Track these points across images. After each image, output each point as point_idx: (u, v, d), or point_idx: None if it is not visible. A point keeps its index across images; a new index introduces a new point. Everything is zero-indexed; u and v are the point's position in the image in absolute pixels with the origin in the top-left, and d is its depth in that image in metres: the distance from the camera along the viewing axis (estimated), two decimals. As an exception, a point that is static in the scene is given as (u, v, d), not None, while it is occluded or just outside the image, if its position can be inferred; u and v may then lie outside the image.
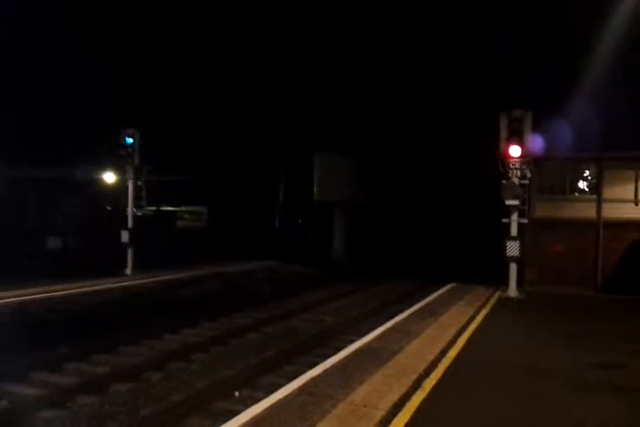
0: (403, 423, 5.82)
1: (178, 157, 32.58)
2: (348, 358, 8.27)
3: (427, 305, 13.59)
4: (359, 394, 6.62)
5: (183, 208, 40.59)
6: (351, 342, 9.91)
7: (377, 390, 6.77)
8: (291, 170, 33.03)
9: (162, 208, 36.64)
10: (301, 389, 6.76)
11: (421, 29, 28.91)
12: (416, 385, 7.03)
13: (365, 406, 6.21)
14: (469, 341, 9.67)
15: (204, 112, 32.21)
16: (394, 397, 6.56)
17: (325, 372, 7.51)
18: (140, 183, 19.43)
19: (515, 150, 14.64)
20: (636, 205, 18.02)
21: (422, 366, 7.85)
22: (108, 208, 29.48)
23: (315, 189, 29.74)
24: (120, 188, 21.25)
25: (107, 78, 30.42)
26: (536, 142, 14.79)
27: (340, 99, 30.21)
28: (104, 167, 26.36)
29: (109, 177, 26.15)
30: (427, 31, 28.72)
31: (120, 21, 31.30)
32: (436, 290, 16.62)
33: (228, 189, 34.60)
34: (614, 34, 18.50)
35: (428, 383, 7.12)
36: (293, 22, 30.77)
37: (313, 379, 7.19)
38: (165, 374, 9.90)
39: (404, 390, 6.82)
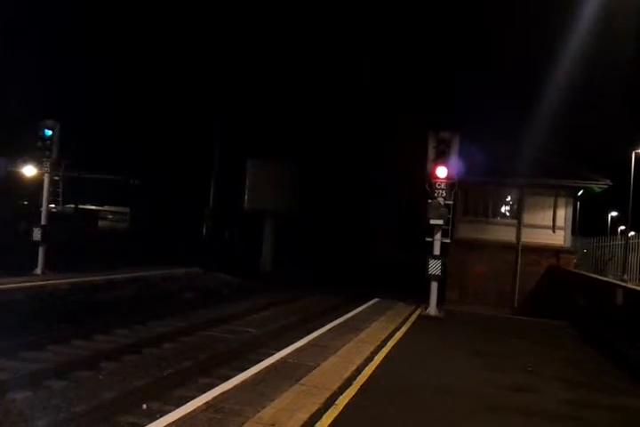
0: (311, 444, 5.67)
1: (104, 154, 31.50)
2: (261, 373, 8.00)
3: (348, 320, 13.54)
4: (268, 412, 6.37)
5: (107, 208, 39.19)
6: (271, 355, 9.70)
7: (287, 408, 6.54)
8: (223, 176, 32.56)
9: (83, 206, 35.20)
10: (208, 404, 6.44)
11: (355, 43, 29.51)
12: (328, 403, 6.86)
13: (273, 425, 5.96)
14: (386, 358, 9.64)
15: (133, 110, 31.28)
16: (304, 415, 6.35)
17: (236, 387, 7.22)
18: (56, 178, 18.50)
19: (441, 171, 14.97)
20: (554, 231, 18.86)
21: (337, 384, 7.69)
22: (25, 203, 27.94)
23: (246, 196, 29.45)
24: (40, 182, 20.17)
25: (31, 68, 29.00)
26: (461, 164, 15.20)
27: (276, 106, 30.21)
28: (24, 160, 24.99)
29: (29, 170, 24.75)
30: (360, 45, 29.32)
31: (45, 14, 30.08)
32: (360, 305, 16.66)
33: (155, 191, 33.67)
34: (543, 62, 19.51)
35: (341, 402, 6.97)
36: (227, 23, 30.59)
37: (222, 394, 6.89)
38: (69, 383, 9.31)
39: (315, 408, 6.63)
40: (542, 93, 20.49)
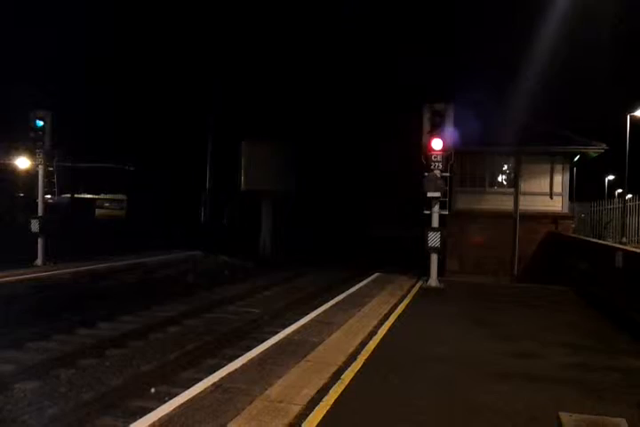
0: (318, 418, 5.70)
1: (98, 142, 31.27)
2: (266, 351, 8.06)
3: (350, 296, 13.62)
4: (275, 389, 6.44)
5: (103, 196, 39.08)
6: (276, 333, 9.77)
7: (294, 385, 6.61)
8: (218, 158, 32.40)
9: (80, 196, 35.13)
10: (216, 385, 6.49)
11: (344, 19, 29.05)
12: (334, 378, 6.92)
13: (281, 402, 6.04)
14: (389, 331, 9.71)
15: (126, 96, 30.93)
16: (311, 391, 6.42)
17: (243, 367, 7.27)
18: (50, 169, 18.36)
19: (436, 143, 14.85)
20: (551, 198, 18.85)
21: (341, 359, 7.76)
22: (21, 195, 27.87)
23: (242, 177, 29.33)
24: (35, 173, 20.02)
25: (23, 56, 28.63)
26: (456, 135, 15.07)
27: (269, 85, 29.89)
28: (19, 152, 24.82)
29: (23, 162, 24.57)
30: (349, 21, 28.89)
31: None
32: (361, 280, 16.76)
33: (151, 176, 33.54)
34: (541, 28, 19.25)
35: (347, 376, 7.03)
36: (226, 10, 30.16)
37: (229, 374, 6.94)
38: (76, 371, 9.39)
39: (322, 383, 6.70)
40: (535, 60, 20.26)
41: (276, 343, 8.54)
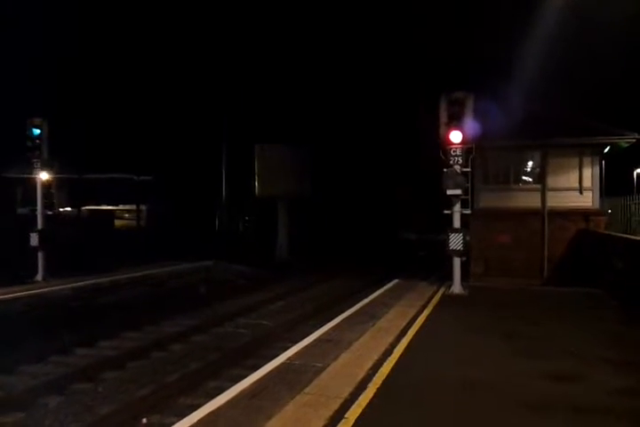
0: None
1: (111, 153, 30.81)
2: (262, 380, 6.93)
3: (365, 306, 12.50)
4: (263, 435, 5.38)
5: (122, 207, 38.70)
6: (287, 349, 8.80)
7: (286, 428, 5.53)
8: (233, 164, 31.65)
9: (96, 207, 34.77)
10: (193, 429, 5.44)
11: (359, 14, 28.15)
12: (337, 417, 5.77)
13: (267, 452, 4.99)
14: (407, 350, 8.51)
15: (136, 104, 30.44)
16: (306, 435, 5.36)
17: (230, 402, 6.15)
18: (49, 179, 17.65)
19: (455, 136, 13.59)
20: (581, 193, 17.57)
21: (348, 390, 6.59)
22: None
23: (256, 183, 28.54)
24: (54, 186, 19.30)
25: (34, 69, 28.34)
26: (477, 127, 13.80)
27: (282, 88, 29.19)
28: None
29: (44, 175, 24.15)
30: (364, 16, 27.98)
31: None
32: (379, 287, 15.71)
33: (165, 185, 32.98)
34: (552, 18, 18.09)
35: (353, 413, 5.87)
36: (234, 11, 29.57)
37: (213, 412, 5.85)
38: (66, 399, 8.55)
39: (321, 424, 5.58)
40: (560, 48, 19.01)
41: (275, 369, 7.42)
